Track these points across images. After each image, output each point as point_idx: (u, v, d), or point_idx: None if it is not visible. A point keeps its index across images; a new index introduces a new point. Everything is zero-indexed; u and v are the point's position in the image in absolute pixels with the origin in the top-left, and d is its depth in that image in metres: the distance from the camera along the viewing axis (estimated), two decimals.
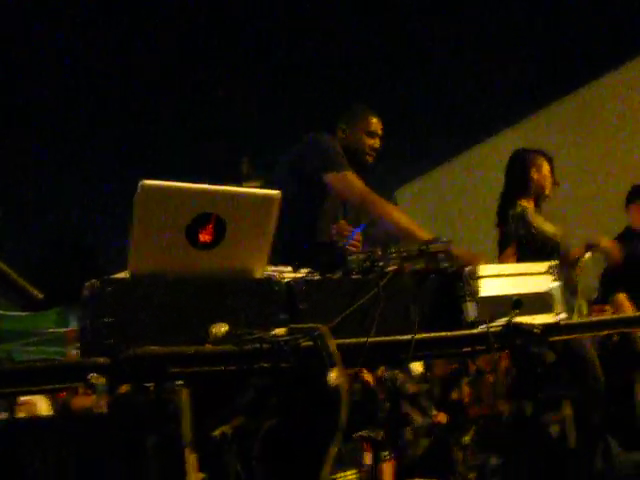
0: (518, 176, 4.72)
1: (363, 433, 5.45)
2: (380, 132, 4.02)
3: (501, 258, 4.49)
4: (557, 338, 2.88)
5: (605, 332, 3.51)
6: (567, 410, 3.42)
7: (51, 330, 9.68)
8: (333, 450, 2.16)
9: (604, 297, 5.16)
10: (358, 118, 4.01)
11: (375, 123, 4.02)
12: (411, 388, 6.68)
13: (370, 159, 4.01)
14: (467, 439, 6.09)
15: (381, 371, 6.29)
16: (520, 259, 4.31)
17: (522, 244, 4.47)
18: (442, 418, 6.55)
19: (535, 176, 4.72)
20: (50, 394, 5.87)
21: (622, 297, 4.86)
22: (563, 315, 2.90)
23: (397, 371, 6.48)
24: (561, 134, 11.34)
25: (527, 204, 4.66)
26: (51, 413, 5.91)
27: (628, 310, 4.72)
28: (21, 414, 5.18)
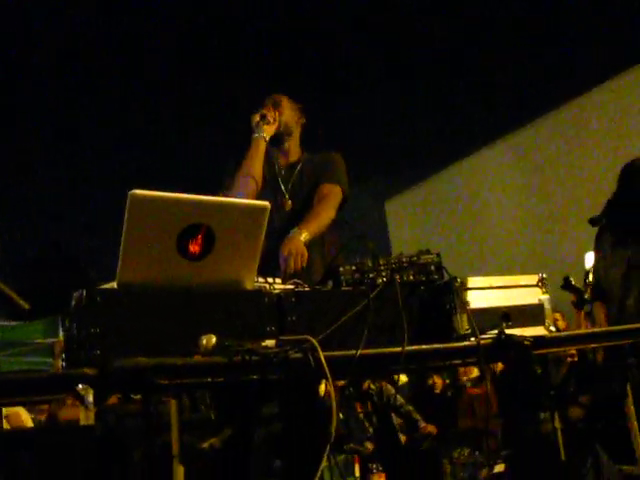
0: None
1: (353, 445, 5.44)
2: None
3: None
4: (547, 350, 2.87)
5: (595, 345, 3.50)
6: (557, 423, 3.40)
7: (39, 341, 9.62)
8: (323, 461, 2.15)
9: None
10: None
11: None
12: (400, 400, 6.66)
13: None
14: (457, 453, 6.09)
15: (367, 384, 6.29)
16: None
17: None
18: (432, 430, 6.53)
19: None
20: (31, 406, 5.83)
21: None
22: (553, 327, 2.91)
23: (385, 383, 6.46)
24: (552, 145, 11.40)
25: None
26: (32, 425, 5.85)
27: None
28: (6, 426, 5.13)
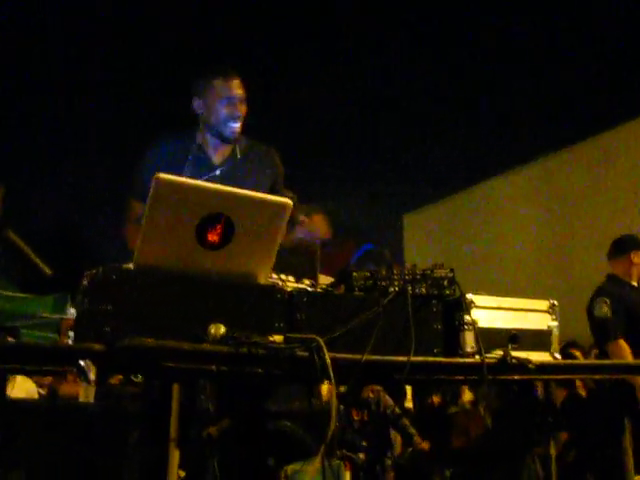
0: None
1: (345, 452, 5.43)
2: (239, 93, 3.39)
3: None
4: (551, 377, 2.88)
5: (598, 376, 3.50)
6: (551, 449, 3.41)
7: (46, 315, 9.65)
8: (317, 462, 2.16)
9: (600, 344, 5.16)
10: (206, 86, 3.41)
11: (224, 86, 3.38)
12: (397, 412, 6.65)
13: (235, 127, 3.38)
14: (449, 473, 6.07)
15: (367, 392, 6.29)
16: None
17: None
18: (426, 446, 6.52)
19: None
20: (39, 376, 5.87)
21: (622, 343, 4.85)
22: (558, 355, 2.91)
23: (384, 394, 6.46)
24: (575, 177, 11.37)
25: None
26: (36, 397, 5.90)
27: (628, 357, 4.72)
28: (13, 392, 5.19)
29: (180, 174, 2.97)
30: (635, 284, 5.24)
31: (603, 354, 4.97)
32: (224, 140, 3.43)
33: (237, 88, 3.39)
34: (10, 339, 4.37)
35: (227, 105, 3.35)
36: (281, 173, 3.58)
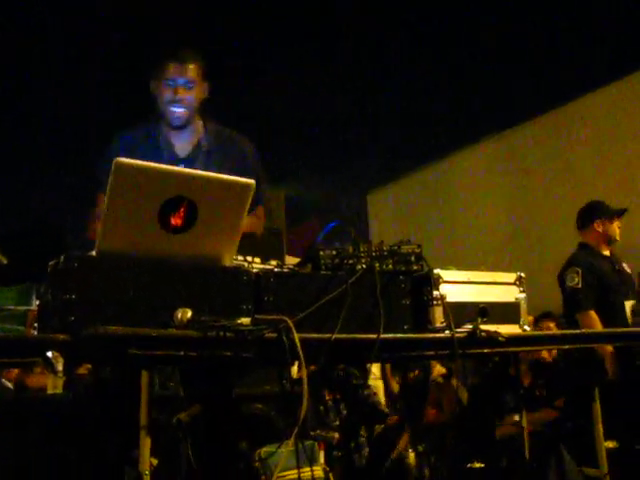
0: None
1: (319, 432, 5.45)
2: (187, 76, 3.27)
3: None
4: (521, 348, 2.89)
5: (567, 346, 3.52)
6: (523, 422, 3.43)
7: (10, 307, 9.53)
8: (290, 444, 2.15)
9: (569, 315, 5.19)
10: (159, 67, 3.31)
11: (172, 68, 3.27)
12: (368, 390, 6.65)
13: (177, 112, 3.28)
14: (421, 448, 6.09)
15: (337, 371, 6.28)
16: None
17: None
18: (395, 420, 6.53)
19: None
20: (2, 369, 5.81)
21: (592, 314, 4.89)
22: (527, 327, 2.92)
23: (354, 371, 6.46)
24: (537, 150, 11.44)
25: None
26: None
27: (597, 327, 4.76)
28: None
29: None
30: (606, 253, 5.26)
31: (573, 324, 5.00)
32: (170, 126, 3.33)
33: (186, 72, 3.27)
34: None
35: (170, 88, 3.25)
36: (253, 164, 3.44)
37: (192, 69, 3.29)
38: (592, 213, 5.33)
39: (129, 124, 3.48)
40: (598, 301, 4.96)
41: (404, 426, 6.35)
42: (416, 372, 7.04)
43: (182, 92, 3.25)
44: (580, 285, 4.96)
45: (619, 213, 5.33)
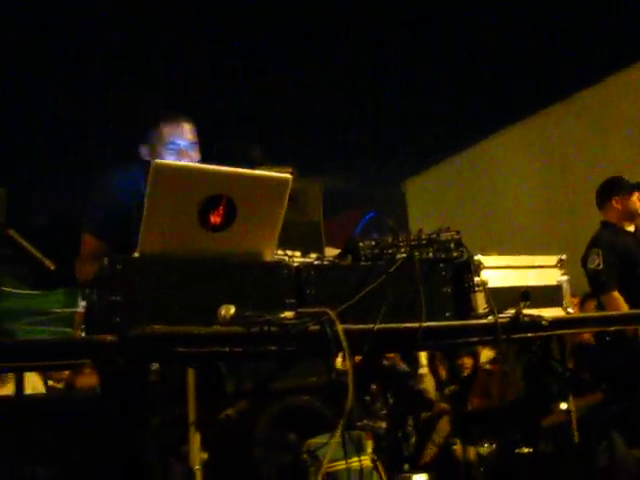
0: None
1: (366, 422, 5.46)
2: (187, 138, 3.16)
3: None
4: (565, 331, 2.87)
5: (612, 328, 3.48)
6: (571, 405, 3.41)
7: (58, 310, 9.64)
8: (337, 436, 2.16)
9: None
10: (154, 131, 3.18)
11: (171, 130, 3.16)
12: (414, 379, 6.66)
13: None
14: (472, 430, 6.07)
15: (384, 360, 6.28)
16: None
17: None
18: (445, 406, 6.51)
19: None
20: (46, 372, 5.89)
21: (615, 295, 4.81)
22: (571, 309, 2.90)
23: (399, 361, 6.46)
24: (574, 129, 11.31)
25: None
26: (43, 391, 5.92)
27: (622, 307, 4.69)
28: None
29: (131, 212, 2.74)
30: (630, 229, 5.16)
31: (600, 306, 4.94)
32: None
33: (185, 134, 3.16)
34: None
35: (172, 151, 3.12)
36: None
37: (191, 130, 3.20)
38: (609, 190, 5.23)
39: (127, 124, 3.42)
40: (624, 277, 4.87)
41: (450, 413, 6.35)
42: (464, 359, 7.00)
43: (187, 154, 3.13)
44: (601, 266, 4.87)
45: (638, 186, 5.22)
